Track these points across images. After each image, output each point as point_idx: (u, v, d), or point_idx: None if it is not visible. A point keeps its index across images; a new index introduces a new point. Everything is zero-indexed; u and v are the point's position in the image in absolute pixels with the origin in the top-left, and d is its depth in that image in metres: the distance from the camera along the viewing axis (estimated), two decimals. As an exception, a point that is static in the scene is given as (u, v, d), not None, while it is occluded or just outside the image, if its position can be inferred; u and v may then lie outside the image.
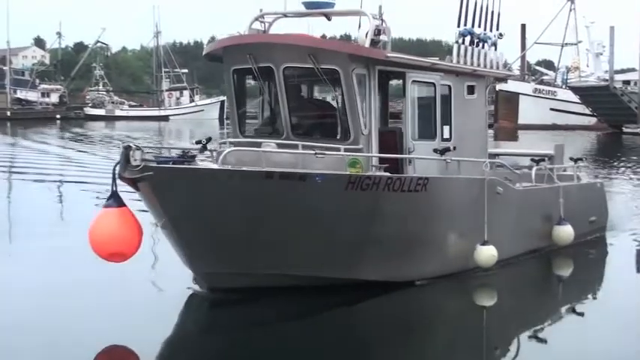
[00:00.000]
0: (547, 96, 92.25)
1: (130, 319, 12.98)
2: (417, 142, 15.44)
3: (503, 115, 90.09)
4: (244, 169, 12.83)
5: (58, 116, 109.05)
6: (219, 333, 12.88)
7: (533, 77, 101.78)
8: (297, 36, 14.82)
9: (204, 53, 15.88)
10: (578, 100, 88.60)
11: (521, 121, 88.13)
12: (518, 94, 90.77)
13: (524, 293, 16.15)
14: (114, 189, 12.59)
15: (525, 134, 74.04)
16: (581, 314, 14.75)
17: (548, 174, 18.76)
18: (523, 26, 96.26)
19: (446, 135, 16.23)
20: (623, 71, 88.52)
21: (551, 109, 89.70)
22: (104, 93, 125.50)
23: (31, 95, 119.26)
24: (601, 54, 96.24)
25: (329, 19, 15.72)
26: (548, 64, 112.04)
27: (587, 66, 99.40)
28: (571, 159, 21.00)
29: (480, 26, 17.50)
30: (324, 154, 13.35)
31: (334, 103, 14.89)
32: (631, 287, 16.40)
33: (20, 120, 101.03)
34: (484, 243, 15.38)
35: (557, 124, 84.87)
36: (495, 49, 18.07)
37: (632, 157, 53.77)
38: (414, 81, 15.46)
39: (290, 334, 12.74)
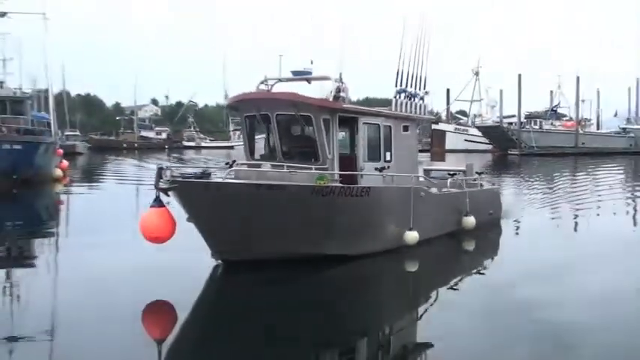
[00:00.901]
0: (462, 132, 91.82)
1: (173, 280, 11.92)
2: (367, 163, 14.29)
3: (436, 144, 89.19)
4: (240, 182, 11.82)
5: (166, 147, 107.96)
6: (229, 291, 11.86)
7: (454, 120, 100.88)
8: (286, 93, 13.70)
9: (225, 105, 14.65)
10: (481, 134, 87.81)
11: (447, 147, 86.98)
12: (445, 131, 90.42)
13: (440, 261, 14.95)
14: (157, 195, 11.48)
15: (450, 156, 72.79)
16: (481, 274, 13.64)
17: (459, 183, 17.56)
18: (448, 90, 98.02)
19: (388, 158, 15.03)
20: (508, 116, 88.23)
21: (465, 140, 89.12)
22: (194, 132, 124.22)
23: (150, 134, 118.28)
24: (494, 106, 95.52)
25: (309, 83, 14.49)
26: (463, 113, 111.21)
27: (486, 113, 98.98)
28: (477, 172, 19.83)
29: (411, 86, 16.23)
30: (295, 171, 12.19)
31: (310, 138, 13.55)
32: (513, 253, 15.47)
33: (143, 149, 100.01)
34: (410, 229, 14.27)
35: (469, 149, 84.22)
36: (423, 101, 16.72)
37: (515, 169, 52.84)
38: (364, 123, 14.25)
39: (281, 292, 11.58)
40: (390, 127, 15.09)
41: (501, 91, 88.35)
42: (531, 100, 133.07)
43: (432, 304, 11.15)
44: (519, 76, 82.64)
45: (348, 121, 14.29)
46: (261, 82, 14.54)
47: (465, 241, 16.88)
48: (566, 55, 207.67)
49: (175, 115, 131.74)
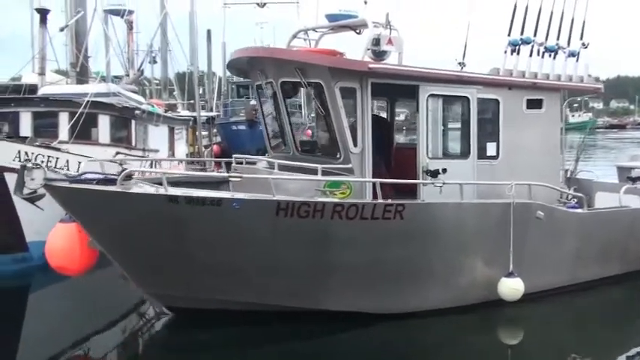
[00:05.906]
0: None
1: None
2: (437, 160, 8.22)
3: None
4: (143, 191, 6.75)
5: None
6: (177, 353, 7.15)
7: None
8: (288, 51, 8.54)
9: (227, 65, 9.72)
10: None
11: None
12: None
13: (573, 326, 8.31)
14: None
15: None
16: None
17: None
18: None
19: (491, 152, 8.84)
20: None
21: None
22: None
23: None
24: None
25: (358, 33, 8.91)
26: None
27: None
28: None
29: (547, 36, 9.66)
30: (240, 176, 6.86)
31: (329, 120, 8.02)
32: None
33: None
34: (509, 275, 7.94)
35: None
36: (577, 60, 9.93)
37: None
38: (432, 95, 8.25)
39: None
40: (496, 101, 8.87)
41: None
42: None
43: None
44: None
45: (405, 91, 8.49)
46: (294, 37, 9.28)
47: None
48: None
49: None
